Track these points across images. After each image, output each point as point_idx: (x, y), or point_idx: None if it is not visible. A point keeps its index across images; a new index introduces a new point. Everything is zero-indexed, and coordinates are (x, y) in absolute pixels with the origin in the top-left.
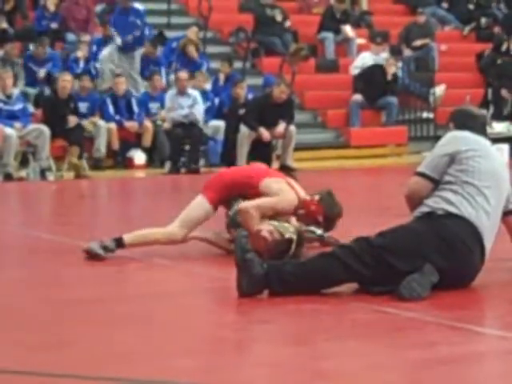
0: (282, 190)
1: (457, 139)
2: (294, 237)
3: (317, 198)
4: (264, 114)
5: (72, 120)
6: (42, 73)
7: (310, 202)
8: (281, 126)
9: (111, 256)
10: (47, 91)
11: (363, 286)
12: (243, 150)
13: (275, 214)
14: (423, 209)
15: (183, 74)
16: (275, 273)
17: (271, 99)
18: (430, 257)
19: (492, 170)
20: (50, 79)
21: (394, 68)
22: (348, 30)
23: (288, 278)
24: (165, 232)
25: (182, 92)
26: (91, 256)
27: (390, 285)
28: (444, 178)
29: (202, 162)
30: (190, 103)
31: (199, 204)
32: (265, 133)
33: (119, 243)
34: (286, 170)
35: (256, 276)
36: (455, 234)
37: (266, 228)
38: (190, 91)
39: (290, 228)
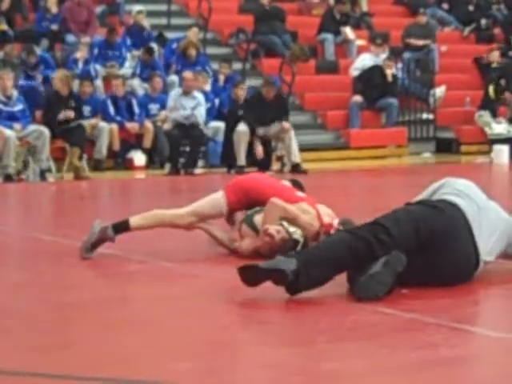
0: (309, 213)
1: (446, 179)
2: (301, 240)
3: (337, 220)
4: (261, 112)
5: (68, 114)
6: (39, 77)
7: (331, 227)
8: (285, 124)
9: (112, 257)
10: (43, 93)
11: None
12: (241, 148)
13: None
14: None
15: (189, 75)
16: (302, 253)
17: (263, 96)
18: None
19: (474, 193)
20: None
21: (392, 69)
22: (348, 31)
23: (313, 251)
24: (173, 214)
25: (187, 93)
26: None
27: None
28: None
29: (201, 163)
30: (193, 105)
31: (216, 201)
32: (259, 150)
33: (124, 227)
34: (297, 172)
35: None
36: (446, 217)
37: (275, 227)
38: (196, 93)
39: (297, 231)
